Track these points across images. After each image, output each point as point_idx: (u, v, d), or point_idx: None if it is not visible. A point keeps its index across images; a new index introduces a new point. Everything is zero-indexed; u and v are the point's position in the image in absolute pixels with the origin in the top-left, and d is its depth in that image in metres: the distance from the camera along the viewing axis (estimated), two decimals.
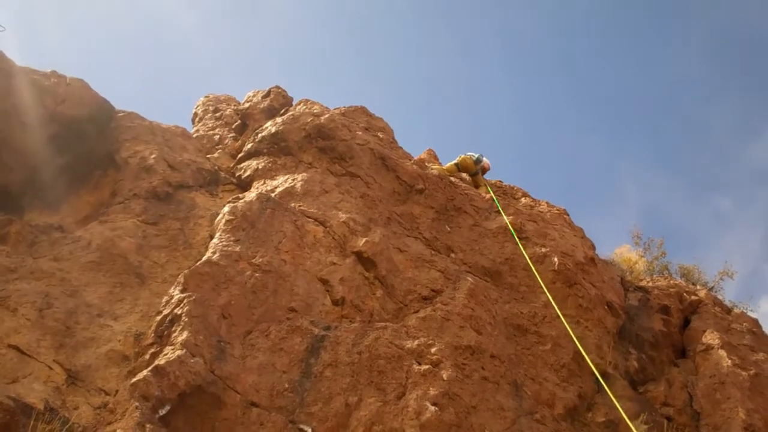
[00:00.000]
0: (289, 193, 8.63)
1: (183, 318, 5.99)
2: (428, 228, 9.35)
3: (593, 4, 53.98)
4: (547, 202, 11.82)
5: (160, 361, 5.51)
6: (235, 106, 12.29)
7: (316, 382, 6.16)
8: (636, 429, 7.81)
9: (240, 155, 10.08)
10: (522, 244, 9.58)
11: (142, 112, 9.83)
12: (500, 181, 12.69)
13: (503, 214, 10.19)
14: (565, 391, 7.90)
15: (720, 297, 12.18)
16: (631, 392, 8.68)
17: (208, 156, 10.20)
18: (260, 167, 9.53)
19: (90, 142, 8.97)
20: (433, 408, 6.21)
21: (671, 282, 11.90)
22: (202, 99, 12.81)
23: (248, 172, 9.53)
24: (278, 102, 11.72)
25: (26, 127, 8.19)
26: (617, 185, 55.81)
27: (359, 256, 7.93)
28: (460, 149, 12.82)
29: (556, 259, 9.40)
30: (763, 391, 8.80)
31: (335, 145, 9.78)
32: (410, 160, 11.03)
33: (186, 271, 6.63)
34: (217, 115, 11.98)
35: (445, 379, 6.59)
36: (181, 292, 6.31)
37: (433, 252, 8.87)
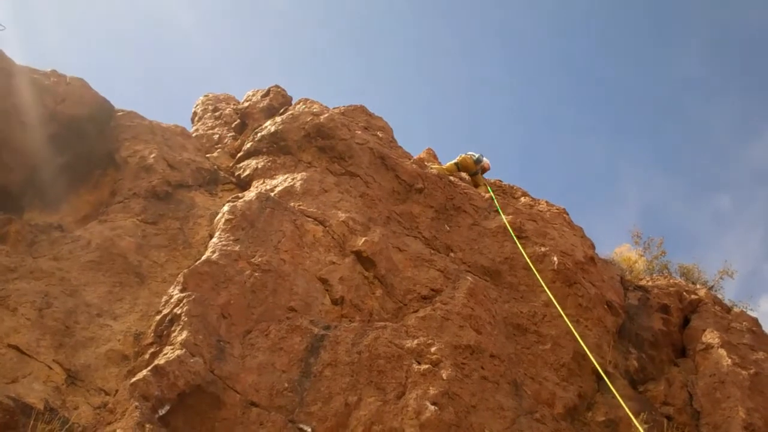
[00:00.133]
0: (288, 192, 8.62)
1: (182, 317, 5.99)
2: (428, 227, 9.35)
3: (593, 4, 53.96)
4: (546, 202, 11.83)
5: (160, 360, 5.51)
6: (234, 105, 12.28)
7: (316, 382, 6.16)
8: (636, 428, 7.82)
9: (239, 154, 10.07)
10: (522, 244, 9.58)
11: (142, 111, 9.85)
12: (500, 181, 12.70)
13: (502, 214, 10.19)
14: (565, 390, 7.90)
15: (720, 296, 12.19)
16: (631, 391, 8.68)
17: (207, 155, 10.19)
18: (260, 166, 9.53)
19: (90, 141, 8.97)
20: (432, 407, 6.21)
21: (671, 281, 11.89)
22: (201, 98, 12.80)
23: (248, 172, 9.53)
24: (278, 101, 11.71)
25: (26, 126, 8.19)
26: (617, 185, 55.85)
27: (359, 255, 7.92)
28: (460, 149, 12.85)
29: (555, 259, 9.40)
30: (763, 390, 8.79)
31: (335, 145, 9.78)
32: (410, 159, 11.02)
33: (185, 270, 6.62)
34: (217, 114, 11.97)
35: (445, 378, 6.59)
36: (181, 291, 6.31)
37: (432, 251, 8.87)
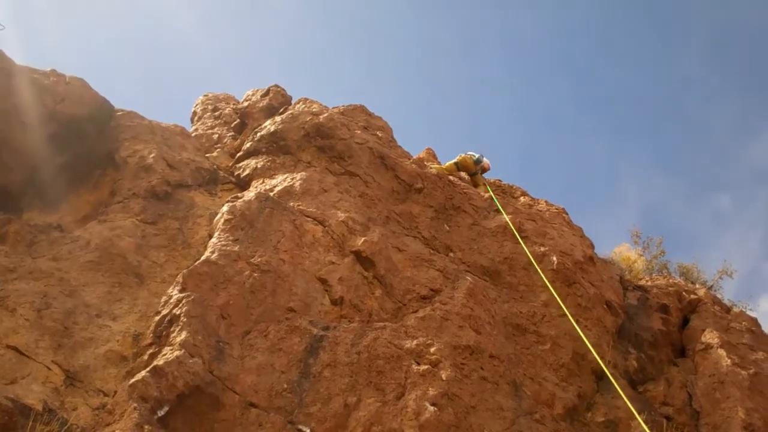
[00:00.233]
0: (287, 192, 8.62)
1: (182, 318, 5.99)
2: (427, 227, 9.35)
3: (593, 4, 53.91)
4: (545, 201, 11.82)
5: (159, 361, 5.51)
6: (234, 105, 12.28)
7: (315, 383, 6.16)
8: (636, 428, 7.82)
9: (239, 154, 10.07)
10: (522, 243, 9.57)
11: (141, 111, 9.85)
12: (499, 180, 12.69)
13: (503, 212, 10.18)
14: (565, 390, 7.90)
15: (719, 296, 12.17)
16: (631, 392, 8.67)
17: (207, 155, 10.19)
18: (259, 166, 9.53)
19: (89, 141, 8.97)
20: (432, 408, 6.21)
21: (670, 281, 11.88)
22: (201, 98, 12.79)
23: (247, 171, 9.53)
24: (277, 101, 11.70)
25: (26, 126, 8.19)
26: (617, 185, 55.84)
27: (358, 255, 7.92)
28: (459, 149, 12.83)
29: (554, 258, 9.40)
30: (762, 390, 8.79)
31: (334, 144, 9.77)
32: (409, 159, 11.02)
33: (185, 270, 6.62)
34: (216, 114, 11.97)
35: (444, 379, 6.59)
36: (180, 292, 6.30)
37: (431, 251, 8.87)
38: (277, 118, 10.33)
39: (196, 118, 12.20)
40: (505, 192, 12.18)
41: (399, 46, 54.91)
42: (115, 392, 5.48)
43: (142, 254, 7.34)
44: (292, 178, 8.94)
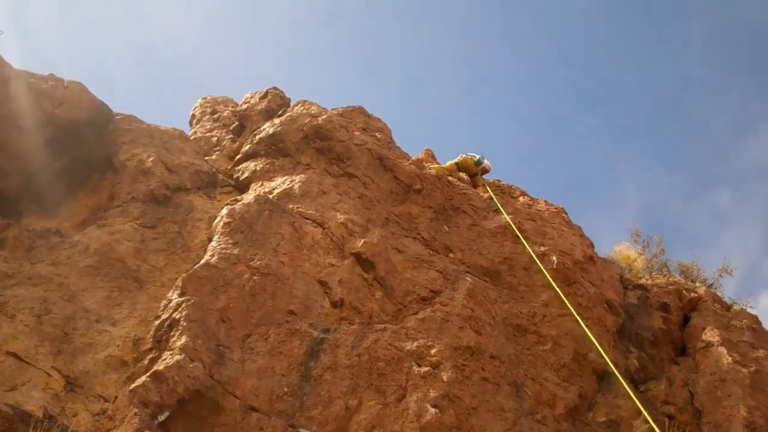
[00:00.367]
0: (287, 194, 8.61)
1: (181, 322, 5.98)
2: (426, 228, 9.33)
3: (593, 4, 53.94)
4: (545, 201, 11.81)
5: (159, 366, 5.50)
6: (232, 107, 12.26)
7: (316, 386, 6.15)
8: (638, 428, 7.82)
9: (238, 157, 10.06)
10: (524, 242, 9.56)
11: (139, 114, 9.83)
12: (498, 181, 12.68)
13: (504, 213, 10.17)
14: (566, 391, 7.89)
15: (719, 294, 12.16)
16: (633, 391, 8.65)
17: (206, 158, 10.18)
18: (258, 169, 9.51)
19: (88, 145, 8.96)
20: (433, 410, 6.20)
21: (670, 279, 11.87)
22: (199, 101, 12.77)
23: (246, 174, 9.52)
24: (276, 103, 11.68)
25: (23, 130, 8.18)
26: (616, 184, 55.82)
27: (358, 257, 7.91)
28: (459, 149, 12.83)
29: (554, 258, 9.39)
30: (763, 388, 8.79)
31: (333, 146, 9.76)
32: (408, 160, 11.01)
33: (184, 274, 6.61)
34: (215, 116, 11.95)
35: (445, 380, 6.58)
36: (180, 296, 6.29)
37: (431, 252, 8.86)
38: (276, 121, 10.32)
39: (194, 121, 12.18)
40: (504, 192, 12.17)
41: (399, 46, 54.92)
42: (116, 398, 5.47)
43: (141, 258, 7.33)
44: (291, 181, 8.93)
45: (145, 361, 5.75)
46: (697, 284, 12.21)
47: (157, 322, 6.13)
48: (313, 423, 5.85)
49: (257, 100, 11.87)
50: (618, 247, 13.54)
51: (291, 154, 9.73)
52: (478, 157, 12.29)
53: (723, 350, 9.35)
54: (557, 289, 8.73)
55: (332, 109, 11.36)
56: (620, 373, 8.89)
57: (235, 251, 7.11)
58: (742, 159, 53.88)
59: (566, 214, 11.44)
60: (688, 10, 54.99)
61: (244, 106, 11.83)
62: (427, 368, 6.67)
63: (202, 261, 6.88)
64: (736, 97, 55.76)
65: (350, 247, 8.00)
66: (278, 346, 6.35)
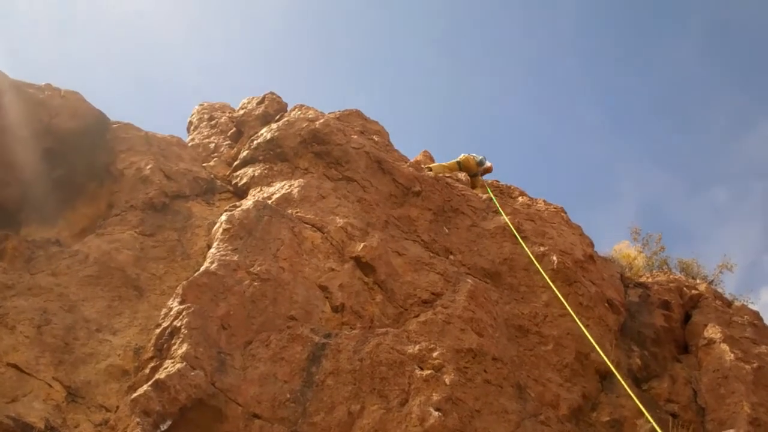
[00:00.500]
0: (285, 199, 8.60)
1: (182, 330, 5.96)
2: (426, 230, 9.32)
3: (591, 3, 54.01)
4: (544, 201, 11.81)
5: (161, 375, 5.48)
6: (229, 113, 12.25)
7: (318, 391, 6.13)
8: (641, 427, 7.80)
9: (236, 163, 10.05)
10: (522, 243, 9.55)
11: (136, 122, 9.82)
12: (497, 181, 12.68)
13: (503, 213, 10.16)
14: (569, 391, 7.87)
15: (720, 290, 12.13)
16: (635, 390, 8.63)
17: (204, 164, 10.16)
18: (256, 174, 9.50)
19: (85, 154, 8.93)
20: (436, 413, 6.18)
21: (671, 277, 11.87)
22: (196, 107, 12.77)
23: (244, 180, 9.50)
24: (273, 108, 11.68)
25: (21, 141, 8.15)
26: (615, 182, 55.88)
27: (358, 261, 7.90)
28: (458, 150, 12.78)
29: (554, 258, 9.38)
30: (767, 384, 8.77)
31: (331, 150, 9.75)
32: (406, 162, 11.01)
33: (184, 282, 6.59)
34: (212, 123, 11.94)
35: (448, 383, 6.56)
36: (180, 303, 6.27)
37: (431, 254, 8.84)
38: (273, 126, 10.32)
39: (192, 127, 12.18)
40: (503, 192, 12.17)
41: (398, 46, 55.00)
42: (118, 407, 5.45)
43: (141, 267, 7.31)
44: (290, 185, 8.92)
45: (147, 370, 5.73)
46: (698, 281, 12.19)
47: (157, 331, 6.10)
48: (316, 429, 5.83)
49: (254, 105, 11.87)
50: (618, 245, 13.54)
51: (289, 159, 9.72)
52: (480, 157, 12.28)
53: (725, 347, 9.33)
54: (555, 290, 8.71)
55: (329, 113, 11.35)
56: (623, 371, 8.88)
57: (235, 257, 7.10)
58: (740, 156, 53.93)
59: (565, 213, 11.44)
60: (685, 9, 55.09)
61: (241, 112, 11.83)
62: (429, 371, 6.66)
63: (202, 268, 6.87)
64: (732, 91, 55.82)
65: (350, 251, 7.98)
66: (280, 352, 6.33)
